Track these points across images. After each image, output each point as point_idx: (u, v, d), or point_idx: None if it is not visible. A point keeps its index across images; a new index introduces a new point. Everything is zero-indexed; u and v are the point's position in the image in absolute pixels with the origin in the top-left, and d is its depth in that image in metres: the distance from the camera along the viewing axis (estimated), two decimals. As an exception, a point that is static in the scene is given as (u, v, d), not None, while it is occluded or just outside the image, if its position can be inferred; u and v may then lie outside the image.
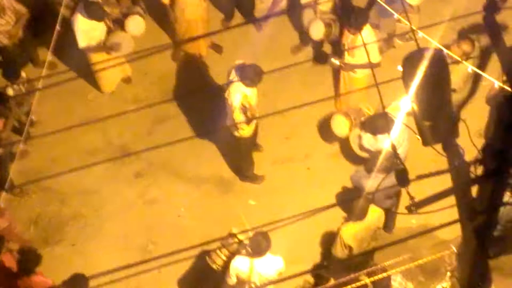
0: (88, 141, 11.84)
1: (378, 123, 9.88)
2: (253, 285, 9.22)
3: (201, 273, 10.09)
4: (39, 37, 12.22)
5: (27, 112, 10.75)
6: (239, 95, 10.17)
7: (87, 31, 11.35)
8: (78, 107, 12.30)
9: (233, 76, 10.30)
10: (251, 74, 10.06)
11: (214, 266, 9.48)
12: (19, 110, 11.10)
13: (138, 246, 10.93)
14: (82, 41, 11.40)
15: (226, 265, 9.33)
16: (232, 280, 9.19)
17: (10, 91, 11.05)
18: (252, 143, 11.25)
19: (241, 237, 9.19)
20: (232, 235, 9.32)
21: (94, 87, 12.47)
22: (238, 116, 10.28)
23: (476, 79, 10.92)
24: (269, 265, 9.06)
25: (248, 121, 10.46)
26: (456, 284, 5.43)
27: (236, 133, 10.69)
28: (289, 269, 9.20)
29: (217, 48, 12.89)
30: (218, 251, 9.38)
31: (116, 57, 11.45)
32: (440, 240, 9.68)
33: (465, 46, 10.44)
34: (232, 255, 9.26)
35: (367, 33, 10.61)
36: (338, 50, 11.64)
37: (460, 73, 10.30)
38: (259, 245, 8.80)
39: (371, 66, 10.18)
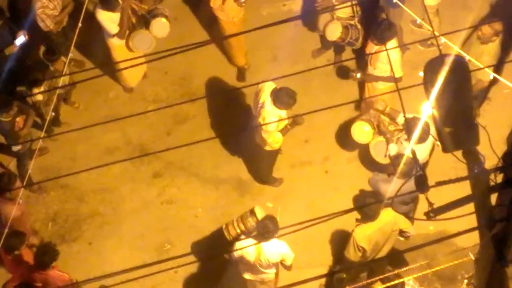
0: (108, 140, 11.89)
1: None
2: (259, 267, 9.40)
3: (218, 274, 10.11)
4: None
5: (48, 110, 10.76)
6: (275, 118, 10.13)
7: (107, 22, 11.40)
8: (98, 105, 12.34)
9: (264, 99, 10.19)
10: (285, 98, 10.02)
11: (227, 236, 9.55)
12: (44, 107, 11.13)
13: (155, 246, 10.96)
14: (111, 30, 11.45)
15: (237, 238, 9.43)
16: (235, 257, 9.40)
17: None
18: (278, 153, 11.26)
19: (260, 217, 9.32)
20: (253, 213, 9.44)
21: (115, 85, 12.51)
22: (274, 137, 10.34)
23: (502, 59, 10.89)
24: (275, 249, 9.20)
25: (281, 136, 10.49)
26: (473, 292, 5.40)
27: (267, 148, 10.67)
28: (304, 273, 9.20)
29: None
30: (235, 223, 9.48)
31: (140, 56, 11.43)
32: (457, 247, 9.64)
33: (497, 26, 10.45)
34: (246, 231, 9.35)
35: (392, 46, 10.52)
36: (360, 62, 11.57)
37: (490, 54, 10.42)
38: (266, 228, 8.94)
39: (393, 80, 10.15)
